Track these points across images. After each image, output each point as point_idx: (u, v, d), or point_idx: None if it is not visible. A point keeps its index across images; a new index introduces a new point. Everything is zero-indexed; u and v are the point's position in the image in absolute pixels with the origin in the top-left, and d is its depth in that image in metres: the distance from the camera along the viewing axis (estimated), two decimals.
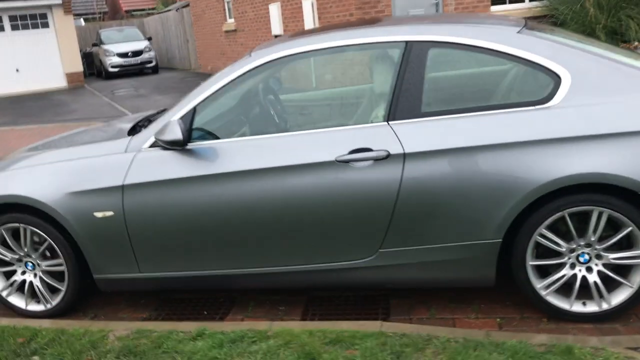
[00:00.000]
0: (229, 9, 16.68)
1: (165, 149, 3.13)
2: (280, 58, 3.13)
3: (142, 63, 21.10)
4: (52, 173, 3.26)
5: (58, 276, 3.43)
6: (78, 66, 19.52)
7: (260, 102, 3.67)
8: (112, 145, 3.26)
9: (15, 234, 3.41)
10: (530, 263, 2.87)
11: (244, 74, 3.15)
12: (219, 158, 3.05)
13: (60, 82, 19.27)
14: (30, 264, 3.46)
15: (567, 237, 2.83)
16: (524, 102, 2.81)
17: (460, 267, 2.94)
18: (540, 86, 2.83)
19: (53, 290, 3.48)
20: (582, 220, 2.80)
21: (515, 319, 3.05)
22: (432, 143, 2.82)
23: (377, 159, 2.87)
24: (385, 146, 2.87)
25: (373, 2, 9.61)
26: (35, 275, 3.47)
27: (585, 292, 2.88)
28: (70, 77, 19.24)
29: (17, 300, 3.53)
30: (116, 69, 20.73)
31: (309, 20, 10.75)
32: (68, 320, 3.41)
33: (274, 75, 3.93)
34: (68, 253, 3.30)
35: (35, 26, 18.79)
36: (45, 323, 3.33)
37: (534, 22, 3.45)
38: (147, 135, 3.20)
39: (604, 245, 2.81)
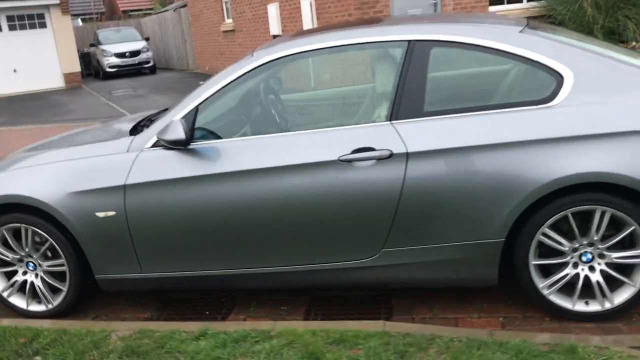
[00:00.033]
0: (227, 9, 16.66)
1: (167, 148, 3.13)
2: (283, 57, 3.13)
3: (140, 63, 21.07)
4: (54, 173, 3.25)
5: (59, 276, 3.42)
6: (76, 66, 19.50)
7: (262, 101, 3.66)
8: (114, 145, 3.26)
9: (16, 234, 3.40)
10: (533, 262, 2.87)
11: (246, 73, 3.15)
12: (222, 158, 3.04)
13: (58, 83, 19.24)
14: (31, 264, 3.45)
15: (569, 237, 2.83)
16: (526, 101, 2.81)
17: (462, 266, 2.93)
18: (542, 85, 2.83)
19: (54, 291, 3.47)
20: (584, 220, 2.80)
21: (518, 318, 3.05)
22: (435, 142, 2.82)
23: (380, 159, 2.87)
24: (388, 146, 2.87)
25: (372, 2, 9.61)
26: (36, 275, 3.46)
27: (588, 291, 2.89)
28: (67, 77, 19.21)
29: (18, 301, 3.52)
30: (114, 69, 20.69)
31: (308, 20, 10.75)
32: (69, 320, 3.40)
33: (276, 74, 3.93)
34: (69, 253, 3.29)
35: (32, 26, 18.77)
36: (47, 323, 3.32)
37: (536, 21, 3.45)
38: (149, 135, 3.19)
39: (606, 245, 2.81)
